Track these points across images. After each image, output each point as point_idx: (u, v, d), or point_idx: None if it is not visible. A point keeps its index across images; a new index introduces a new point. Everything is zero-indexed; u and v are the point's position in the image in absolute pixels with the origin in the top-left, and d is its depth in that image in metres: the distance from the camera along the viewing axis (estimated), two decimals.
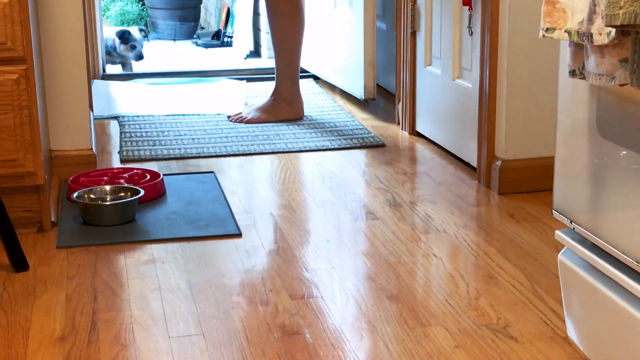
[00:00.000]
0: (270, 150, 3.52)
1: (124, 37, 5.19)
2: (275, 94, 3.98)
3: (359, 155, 3.47)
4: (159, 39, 6.60)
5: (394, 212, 2.84)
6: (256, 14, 5.75)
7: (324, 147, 3.56)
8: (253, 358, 1.94)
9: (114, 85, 4.70)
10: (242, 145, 3.57)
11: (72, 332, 2.07)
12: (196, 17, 6.80)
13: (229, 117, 4.00)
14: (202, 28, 7.08)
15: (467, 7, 3.15)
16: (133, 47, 5.20)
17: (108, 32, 5.34)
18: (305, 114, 4.02)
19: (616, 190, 1.62)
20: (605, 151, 1.65)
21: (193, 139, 3.68)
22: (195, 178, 3.18)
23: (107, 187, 2.88)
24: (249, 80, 4.87)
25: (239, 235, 2.65)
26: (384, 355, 1.95)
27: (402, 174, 3.24)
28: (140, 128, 3.85)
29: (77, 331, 2.07)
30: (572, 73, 1.64)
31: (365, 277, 2.36)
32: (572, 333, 1.88)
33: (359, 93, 4.15)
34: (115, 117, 4.07)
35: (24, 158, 2.59)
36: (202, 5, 6.93)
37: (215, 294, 2.26)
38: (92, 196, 2.84)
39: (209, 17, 7.07)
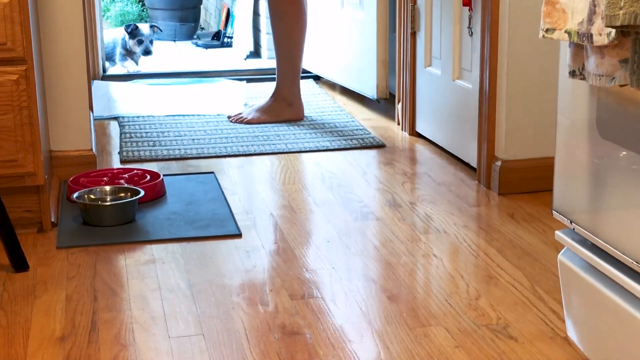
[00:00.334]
0: (270, 151, 3.52)
1: (132, 31, 5.26)
2: (275, 94, 3.98)
3: (359, 156, 3.47)
4: (159, 39, 6.60)
5: (394, 212, 2.84)
6: (256, 14, 5.75)
7: (324, 148, 3.56)
8: (253, 358, 1.94)
9: (114, 85, 4.70)
10: (242, 146, 3.57)
11: (72, 332, 2.07)
12: (196, 18, 6.79)
13: (229, 117, 4.00)
14: (202, 29, 7.08)
15: (467, 7, 3.15)
16: (140, 42, 5.26)
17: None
18: (305, 114, 4.02)
19: (616, 190, 1.62)
20: (605, 151, 1.65)
21: (193, 139, 3.68)
22: (195, 178, 3.18)
23: (107, 188, 2.88)
24: (248, 80, 4.87)
25: (239, 235, 2.65)
26: (384, 355, 1.96)
27: (402, 174, 3.24)
28: (140, 128, 3.86)
29: (77, 331, 2.07)
30: (572, 73, 1.64)
31: (365, 278, 2.36)
32: (572, 333, 1.88)
33: (371, 93, 4.15)
34: (115, 118, 4.07)
35: (24, 158, 2.59)
36: (202, 6, 6.92)
37: (215, 294, 2.26)
38: (92, 196, 2.84)
39: (209, 18, 7.07)
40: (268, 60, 5.46)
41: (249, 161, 3.42)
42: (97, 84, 4.64)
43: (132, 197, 2.81)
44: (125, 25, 5.35)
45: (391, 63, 4.12)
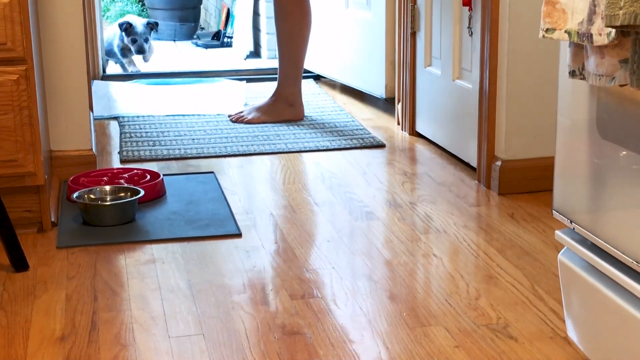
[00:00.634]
0: (270, 151, 3.52)
1: (127, 29, 5.20)
2: (276, 94, 3.98)
3: (359, 156, 3.47)
4: (158, 39, 6.60)
5: (394, 212, 2.84)
6: (256, 14, 5.75)
7: (324, 148, 3.56)
8: (253, 358, 1.94)
9: (114, 85, 4.70)
10: (242, 146, 3.57)
11: (72, 332, 2.07)
12: (196, 18, 6.80)
13: (229, 116, 4.01)
14: (202, 28, 7.08)
15: (467, 7, 3.15)
16: (134, 41, 5.21)
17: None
18: (305, 114, 4.02)
19: (616, 190, 1.62)
20: (605, 151, 1.65)
21: (193, 139, 3.68)
22: (195, 178, 3.18)
23: (107, 188, 2.88)
24: (248, 80, 4.87)
25: (239, 235, 2.65)
26: (384, 355, 1.96)
27: (402, 174, 3.24)
28: (140, 128, 3.86)
29: (77, 331, 2.07)
30: (572, 73, 1.64)
31: (365, 277, 2.36)
32: (572, 333, 1.88)
33: (380, 92, 4.15)
34: (115, 118, 4.07)
35: (24, 158, 2.59)
36: (202, 6, 6.93)
37: (215, 294, 2.26)
38: (92, 196, 2.84)
39: (209, 18, 7.08)
40: (268, 60, 5.46)
41: (249, 161, 3.42)
42: (97, 84, 4.64)
43: (132, 197, 2.81)
44: (119, 23, 5.27)
45: None
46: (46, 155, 2.84)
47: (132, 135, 3.74)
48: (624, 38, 1.46)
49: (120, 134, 3.78)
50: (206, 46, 6.21)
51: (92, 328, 2.08)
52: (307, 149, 3.55)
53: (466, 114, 3.23)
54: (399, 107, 3.86)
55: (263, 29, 5.55)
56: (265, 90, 4.46)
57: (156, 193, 2.97)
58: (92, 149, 3.17)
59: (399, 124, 3.87)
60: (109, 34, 5.32)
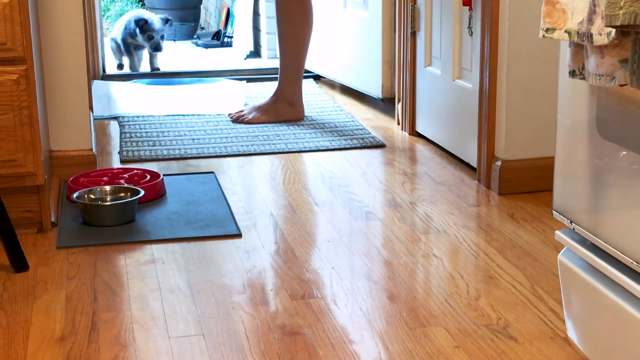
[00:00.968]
0: (270, 151, 3.52)
1: (142, 26, 4.98)
2: (277, 94, 3.98)
3: (359, 156, 3.47)
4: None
5: (394, 212, 2.84)
6: (256, 14, 5.75)
7: (324, 148, 3.56)
8: (253, 358, 1.94)
9: (114, 85, 4.70)
10: (242, 146, 3.57)
11: (72, 332, 2.07)
12: (196, 18, 6.80)
13: (229, 115, 4.01)
14: (202, 28, 7.08)
15: (467, 7, 3.15)
16: (150, 38, 4.99)
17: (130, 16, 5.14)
18: (305, 114, 4.02)
19: (616, 190, 1.62)
20: (605, 151, 1.65)
21: (193, 139, 3.68)
22: (196, 178, 3.18)
23: (107, 188, 2.88)
24: (249, 80, 4.87)
25: (239, 235, 2.65)
26: (383, 355, 1.95)
27: (402, 174, 3.24)
28: (140, 128, 3.85)
29: (77, 331, 2.07)
30: (572, 73, 1.64)
31: (365, 278, 2.36)
32: (572, 333, 1.88)
33: (376, 92, 4.15)
34: (115, 118, 4.07)
35: (24, 158, 2.59)
36: (202, 6, 6.93)
37: (215, 294, 2.26)
38: (92, 196, 2.84)
39: (209, 18, 7.08)
40: (268, 60, 5.46)
41: (249, 161, 3.42)
42: (97, 84, 4.64)
43: (132, 197, 2.81)
44: (135, 19, 5.02)
45: None
46: (46, 155, 2.84)
47: (132, 135, 3.74)
48: (624, 38, 1.46)
49: (120, 134, 3.78)
50: (206, 46, 6.21)
51: (92, 328, 2.08)
52: (307, 149, 3.55)
53: (466, 114, 3.23)
54: (399, 107, 3.86)
55: (263, 28, 5.55)
56: (266, 90, 4.46)
57: (156, 193, 2.97)
58: (92, 149, 3.17)
59: (399, 124, 3.87)
60: (117, 29, 5.19)
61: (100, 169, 3.14)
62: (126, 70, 5.25)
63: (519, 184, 2.99)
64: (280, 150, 3.52)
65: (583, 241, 1.77)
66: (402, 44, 3.76)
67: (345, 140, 3.65)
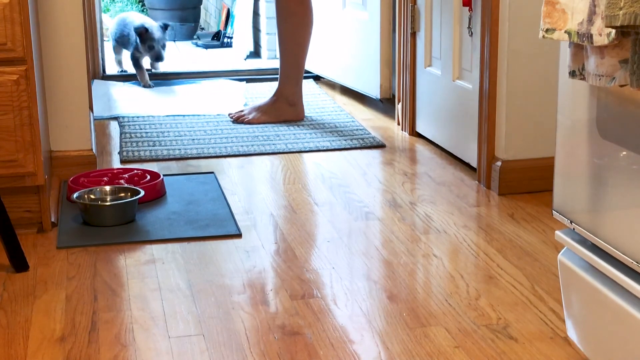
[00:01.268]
0: (270, 151, 3.52)
1: (142, 35, 4.71)
2: (277, 94, 3.98)
3: (359, 156, 3.47)
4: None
5: (394, 212, 2.84)
6: (256, 14, 5.75)
7: (324, 148, 3.56)
8: (253, 358, 1.94)
9: (114, 85, 4.70)
10: (242, 146, 3.57)
11: (72, 332, 2.07)
12: (196, 18, 6.79)
13: (230, 115, 4.01)
14: (202, 29, 7.08)
15: (467, 7, 3.15)
16: (151, 48, 4.73)
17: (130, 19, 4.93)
18: (305, 114, 4.02)
19: (616, 190, 1.62)
20: (605, 151, 1.65)
21: (193, 139, 3.68)
22: (196, 178, 3.18)
23: (107, 188, 2.88)
24: (248, 81, 4.87)
25: (239, 235, 2.65)
26: (383, 355, 1.96)
27: (402, 174, 3.24)
28: (140, 128, 3.86)
29: (77, 331, 2.07)
30: (572, 74, 1.64)
31: (365, 278, 2.36)
32: (572, 333, 1.88)
33: (375, 93, 4.15)
34: (115, 118, 4.07)
35: (24, 158, 2.59)
36: (202, 6, 6.93)
37: (215, 294, 2.26)
38: (92, 196, 2.84)
39: (209, 18, 7.07)
40: (268, 60, 5.46)
41: (249, 161, 3.42)
42: (97, 84, 4.64)
43: (132, 197, 2.81)
44: (135, 28, 4.78)
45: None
46: (46, 155, 2.84)
47: (132, 135, 3.74)
48: (624, 38, 1.46)
49: (120, 134, 3.78)
50: (206, 46, 6.21)
51: (92, 328, 2.08)
52: (307, 149, 3.55)
53: (466, 114, 3.23)
54: (399, 107, 3.86)
55: (263, 29, 5.55)
56: (265, 91, 4.46)
57: (156, 193, 2.97)
58: (92, 149, 3.17)
59: (399, 124, 3.87)
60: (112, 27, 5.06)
61: (100, 169, 3.14)
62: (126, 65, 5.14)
63: (519, 184, 2.99)
64: (281, 151, 3.52)
65: (583, 241, 1.77)
66: (402, 45, 3.76)
67: (345, 140, 3.65)
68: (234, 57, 5.72)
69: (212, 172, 3.25)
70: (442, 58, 3.43)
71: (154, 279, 2.35)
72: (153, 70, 4.98)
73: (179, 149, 3.54)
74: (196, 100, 4.37)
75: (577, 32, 1.55)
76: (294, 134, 3.74)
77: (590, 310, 1.76)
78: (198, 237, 2.63)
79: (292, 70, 3.95)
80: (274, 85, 4.04)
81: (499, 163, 3.00)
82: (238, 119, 3.94)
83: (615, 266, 1.64)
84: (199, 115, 4.08)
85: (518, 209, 2.85)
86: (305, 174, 3.30)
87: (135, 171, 3.09)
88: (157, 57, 4.80)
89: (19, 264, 2.41)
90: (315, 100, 4.37)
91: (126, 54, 4.98)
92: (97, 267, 2.43)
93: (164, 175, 3.13)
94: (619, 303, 1.63)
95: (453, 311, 2.15)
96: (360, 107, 4.26)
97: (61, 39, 3.05)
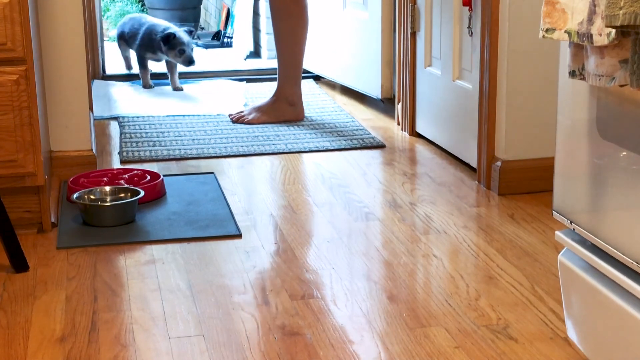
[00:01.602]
0: (270, 151, 3.52)
1: (170, 41, 4.50)
2: (277, 94, 3.98)
3: (359, 156, 3.47)
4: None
5: (394, 212, 2.84)
6: (256, 14, 5.75)
7: (324, 148, 3.56)
8: (253, 358, 1.94)
9: (114, 85, 4.70)
10: (242, 146, 3.57)
11: (72, 332, 2.07)
12: (196, 18, 6.79)
13: (229, 115, 4.01)
14: (202, 29, 7.08)
15: (467, 7, 3.15)
16: (182, 52, 4.51)
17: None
18: (305, 114, 4.02)
19: (616, 190, 1.62)
20: (605, 151, 1.65)
21: (193, 139, 3.68)
22: (195, 179, 3.18)
23: (107, 188, 2.88)
24: (248, 81, 4.87)
25: (239, 235, 2.65)
26: (383, 355, 1.95)
27: (402, 174, 3.24)
28: (140, 129, 3.85)
29: (77, 331, 2.07)
30: (572, 74, 1.64)
31: (365, 278, 2.36)
32: (572, 333, 1.88)
33: (376, 93, 4.15)
34: (115, 118, 4.07)
35: (24, 159, 2.59)
36: (202, 6, 6.92)
37: (215, 295, 2.26)
38: (92, 197, 2.84)
39: (209, 18, 7.07)
40: (268, 60, 5.46)
41: (249, 161, 3.42)
42: (97, 84, 4.64)
43: (132, 197, 2.81)
44: (161, 36, 4.52)
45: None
46: (46, 155, 2.84)
47: (132, 135, 3.74)
48: (624, 38, 1.46)
49: (120, 134, 3.78)
50: (206, 46, 6.21)
51: (92, 328, 2.08)
52: (307, 149, 3.55)
53: (466, 114, 3.23)
54: (399, 107, 3.86)
55: (263, 29, 5.54)
56: (265, 91, 4.46)
57: (156, 193, 2.97)
58: (92, 150, 3.17)
59: (398, 124, 3.87)
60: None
61: (100, 170, 3.14)
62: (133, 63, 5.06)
63: (519, 185, 2.99)
64: (280, 151, 3.52)
65: (583, 241, 1.77)
66: (402, 45, 3.76)
67: (345, 140, 3.65)
68: (234, 57, 5.72)
69: (212, 173, 3.25)
70: (442, 58, 3.43)
71: (154, 280, 2.35)
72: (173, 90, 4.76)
73: (179, 149, 3.54)
74: (196, 101, 4.37)
75: (577, 32, 1.55)
76: (294, 134, 3.74)
77: (590, 311, 1.76)
78: (198, 238, 2.63)
79: (291, 70, 3.95)
80: (274, 85, 4.04)
81: (499, 163, 2.99)
82: (238, 120, 3.94)
83: (615, 267, 1.64)
84: (199, 115, 4.08)
85: (518, 209, 2.85)
86: (305, 174, 3.30)
87: (135, 171, 3.09)
88: (190, 61, 4.54)
89: (19, 264, 2.41)
90: (315, 100, 4.37)
91: (132, 54, 4.96)
92: (97, 268, 2.43)
93: (164, 175, 3.13)
94: (618, 303, 1.63)
95: (453, 311, 2.15)
96: (360, 107, 4.26)
97: (61, 39, 3.05)
